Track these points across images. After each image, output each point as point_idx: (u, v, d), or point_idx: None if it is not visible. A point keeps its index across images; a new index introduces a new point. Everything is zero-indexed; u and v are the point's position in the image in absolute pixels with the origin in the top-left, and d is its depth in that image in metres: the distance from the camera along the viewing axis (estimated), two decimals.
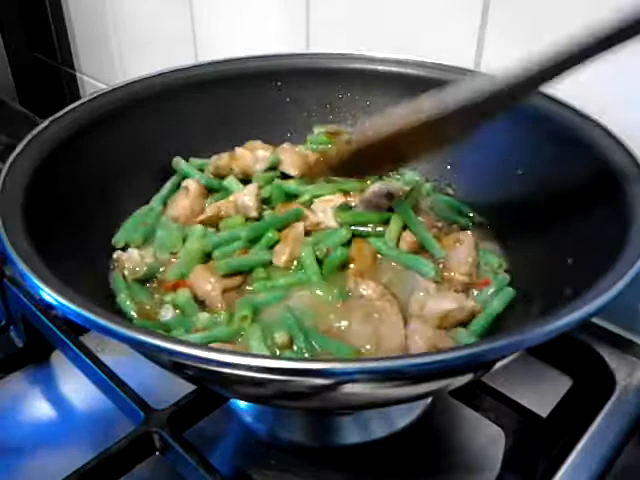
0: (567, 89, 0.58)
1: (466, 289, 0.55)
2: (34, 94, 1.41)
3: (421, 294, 0.53)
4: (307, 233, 0.59)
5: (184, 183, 0.65)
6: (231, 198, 0.62)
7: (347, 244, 0.58)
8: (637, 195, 0.47)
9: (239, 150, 0.67)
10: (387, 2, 0.75)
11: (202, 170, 0.67)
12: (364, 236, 0.59)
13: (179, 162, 0.67)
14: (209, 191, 0.66)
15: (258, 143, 0.70)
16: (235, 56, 0.71)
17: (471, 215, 0.64)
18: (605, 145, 0.52)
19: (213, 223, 0.61)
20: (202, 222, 0.61)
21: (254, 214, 0.61)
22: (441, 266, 0.56)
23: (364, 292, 0.53)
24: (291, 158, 0.68)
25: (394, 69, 0.69)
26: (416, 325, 0.50)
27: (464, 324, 0.52)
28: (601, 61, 0.60)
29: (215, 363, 0.34)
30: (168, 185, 0.67)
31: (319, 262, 0.55)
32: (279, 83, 0.72)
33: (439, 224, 0.62)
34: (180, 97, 0.68)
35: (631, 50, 0.58)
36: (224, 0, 0.96)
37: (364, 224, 0.59)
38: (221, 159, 0.67)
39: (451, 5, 0.69)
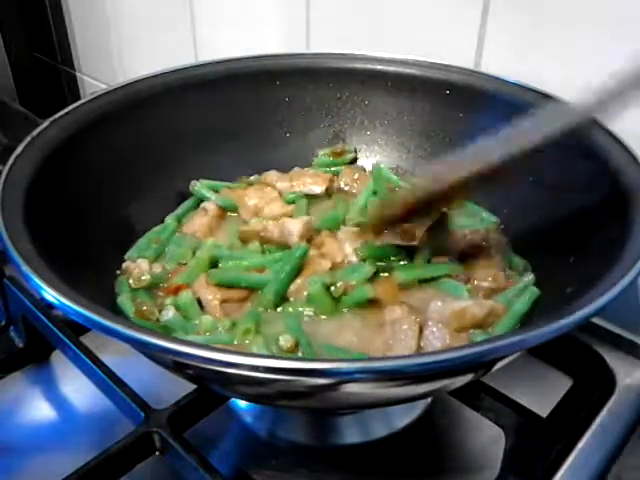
0: (567, 90, 0.58)
1: (494, 294, 0.54)
2: (34, 94, 1.41)
3: (439, 303, 0.51)
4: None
5: (203, 205, 0.66)
6: (279, 221, 0.60)
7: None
8: (638, 194, 0.47)
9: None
10: (387, 2, 0.75)
11: (217, 191, 0.68)
12: (387, 270, 0.56)
13: (195, 186, 0.68)
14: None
15: (273, 173, 0.70)
16: (235, 56, 0.71)
17: (484, 216, 0.64)
18: (605, 144, 0.52)
19: (249, 239, 0.61)
20: (243, 233, 0.61)
21: (295, 241, 0.58)
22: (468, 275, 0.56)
23: (389, 318, 0.52)
24: (311, 179, 0.69)
25: (394, 69, 0.69)
26: (434, 327, 0.49)
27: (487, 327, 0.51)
28: (600, 61, 0.60)
29: (219, 363, 0.34)
30: (184, 205, 0.67)
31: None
32: (278, 82, 0.72)
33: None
34: (180, 97, 0.68)
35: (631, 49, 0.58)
36: (224, 0, 0.96)
37: (385, 258, 0.57)
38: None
39: (451, 5, 0.69)
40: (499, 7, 0.66)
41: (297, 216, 0.63)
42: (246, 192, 0.68)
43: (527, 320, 0.51)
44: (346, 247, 0.58)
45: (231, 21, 0.96)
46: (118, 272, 0.58)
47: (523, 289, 0.54)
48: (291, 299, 0.54)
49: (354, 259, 0.57)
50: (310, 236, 0.60)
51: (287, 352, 0.49)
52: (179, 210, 0.67)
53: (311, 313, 0.53)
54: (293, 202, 0.67)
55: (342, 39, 0.82)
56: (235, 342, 0.50)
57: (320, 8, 0.82)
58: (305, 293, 0.53)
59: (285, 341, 0.49)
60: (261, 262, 0.57)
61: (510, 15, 0.65)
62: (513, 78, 0.62)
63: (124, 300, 0.53)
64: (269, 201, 0.66)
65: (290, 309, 0.54)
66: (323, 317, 0.53)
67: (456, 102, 0.66)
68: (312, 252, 0.57)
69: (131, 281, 0.55)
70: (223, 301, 0.53)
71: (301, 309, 0.54)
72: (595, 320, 0.64)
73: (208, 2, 0.98)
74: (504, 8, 0.65)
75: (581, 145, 0.54)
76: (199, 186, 0.68)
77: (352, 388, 0.38)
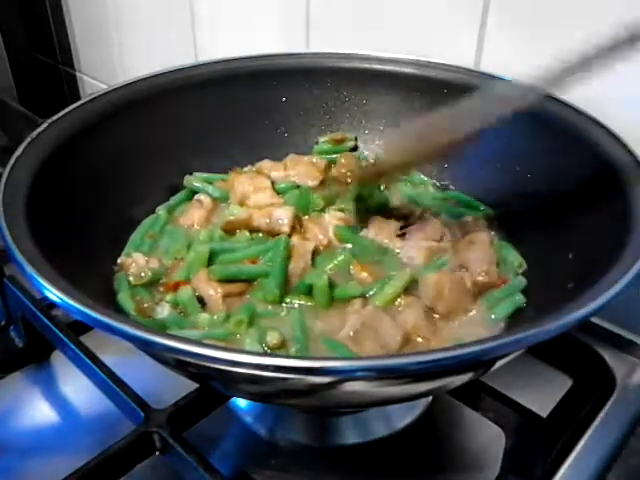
0: (566, 89, 0.58)
1: (485, 289, 0.54)
2: (34, 94, 1.41)
3: None
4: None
5: (197, 197, 0.66)
6: (265, 210, 0.61)
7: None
8: (637, 193, 0.47)
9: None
10: (387, 2, 0.75)
11: (211, 182, 0.68)
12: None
13: (189, 180, 0.68)
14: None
15: (266, 162, 0.70)
16: (234, 56, 0.72)
17: (482, 208, 0.64)
18: (605, 143, 0.52)
19: (235, 229, 0.61)
20: (229, 223, 0.61)
21: (286, 230, 0.60)
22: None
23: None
24: (305, 169, 0.68)
25: (393, 68, 0.70)
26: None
27: None
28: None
29: (225, 362, 0.34)
30: (177, 197, 0.67)
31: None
32: (275, 82, 0.72)
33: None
34: (179, 96, 0.68)
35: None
36: (224, 0, 0.96)
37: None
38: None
39: (451, 5, 0.70)
40: (499, 7, 0.66)
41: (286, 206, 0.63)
42: (238, 178, 0.67)
43: (519, 321, 0.51)
44: (329, 231, 0.60)
45: (231, 21, 0.96)
46: (115, 268, 0.58)
47: (509, 294, 0.53)
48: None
49: (336, 242, 0.60)
50: (295, 223, 0.61)
51: (274, 348, 0.49)
52: (171, 201, 0.67)
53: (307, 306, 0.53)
54: (283, 192, 0.67)
55: (342, 39, 0.82)
56: (226, 332, 0.50)
57: (320, 8, 0.82)
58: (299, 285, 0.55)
59: (271, 337, 0.49)
60: (255, 252, 0.57)
61: (510, 15, 0.65)
62: (513, 78, 0.62)
63: (124, 298, 0.53)
64: (257, 189, 0.65)
65: (287, 300, 0.54)
66: (316, 310, 0.53)
67: (455, 101, 0.66)
68: (296, 239, 0.59)
69: (131, 278, 0.55)
70: (225, 295, 0.53)
71: (298, 302, 0.54)
72: (595, 320, 0.65)
73: (208, 2, 0.99)
74: (504, 8, 0.65)
75: (580, 143, 0.54)
76: (193, 179, 0.68)
77: (353, 386, 0.39)
